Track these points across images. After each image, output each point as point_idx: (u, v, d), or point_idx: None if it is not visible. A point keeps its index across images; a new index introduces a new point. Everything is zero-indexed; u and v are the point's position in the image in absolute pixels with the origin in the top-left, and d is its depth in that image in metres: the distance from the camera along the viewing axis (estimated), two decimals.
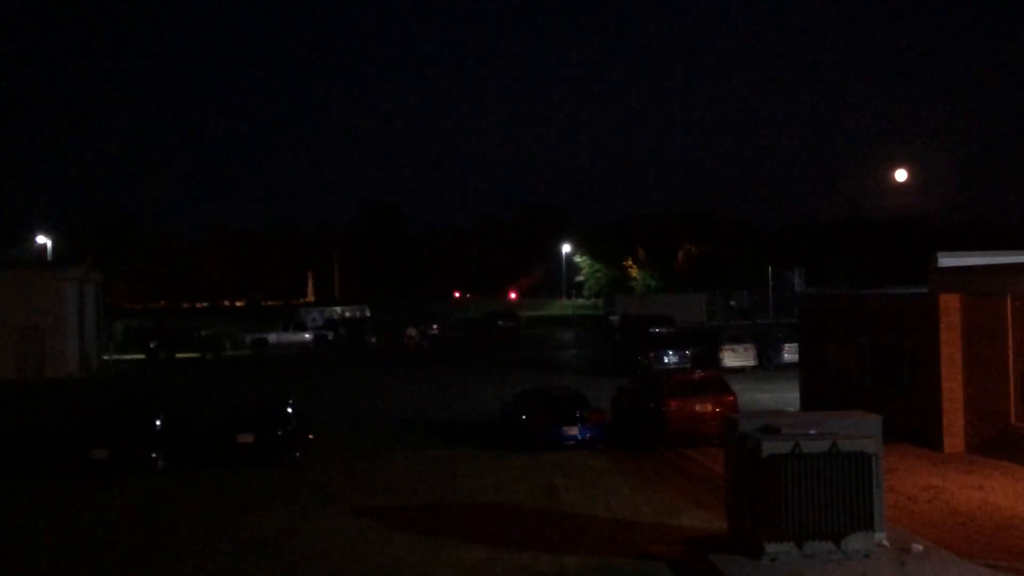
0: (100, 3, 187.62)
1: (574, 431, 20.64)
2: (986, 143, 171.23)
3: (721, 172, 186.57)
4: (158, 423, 20.24)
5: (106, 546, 13.79)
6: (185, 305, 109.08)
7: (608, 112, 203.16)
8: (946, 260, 19.13)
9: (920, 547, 11.38)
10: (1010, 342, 17.21)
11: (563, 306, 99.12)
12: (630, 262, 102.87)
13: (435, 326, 63.73)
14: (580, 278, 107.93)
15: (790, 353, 34.91)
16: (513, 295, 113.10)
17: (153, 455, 19.31)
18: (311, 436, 21.92)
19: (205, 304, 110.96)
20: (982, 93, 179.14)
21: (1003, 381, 17.38)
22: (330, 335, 59.36)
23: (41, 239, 61.11)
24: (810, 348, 25.43)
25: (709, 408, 20.31)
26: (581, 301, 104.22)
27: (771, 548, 10.89)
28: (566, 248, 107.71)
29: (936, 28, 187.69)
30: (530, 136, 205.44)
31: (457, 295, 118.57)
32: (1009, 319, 17.23)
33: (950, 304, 18.66)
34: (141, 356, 52.41)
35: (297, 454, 20.26)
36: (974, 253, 20.16)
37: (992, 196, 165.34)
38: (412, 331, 58.32)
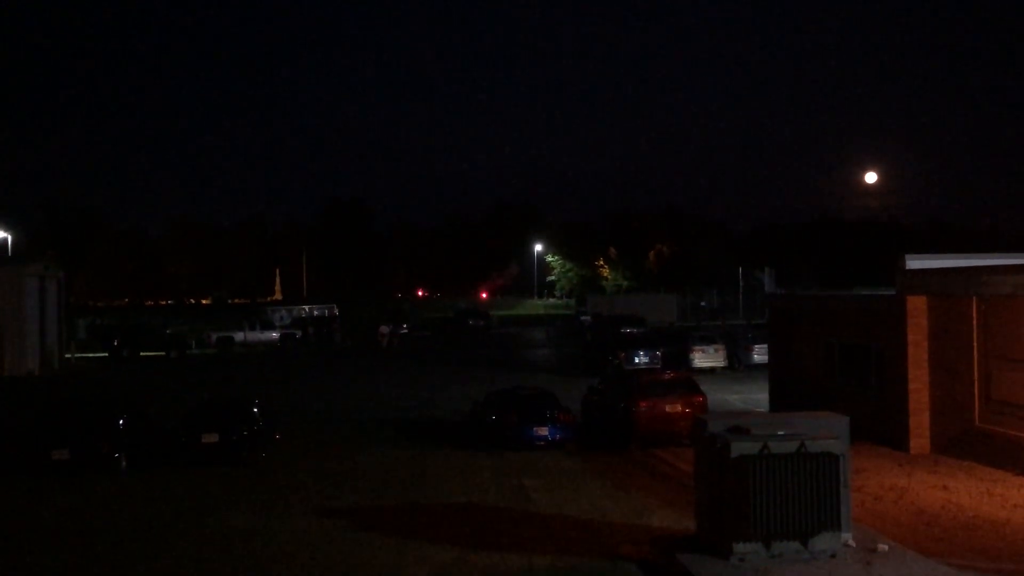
0: None
1: (544, 431, 20.58)
2: (954, 147, 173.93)
3: (692, 172, 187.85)
4: (121, 422, 19.87)
5: (67, 547, 13.48)
6: (149, 303, 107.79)
7: (580, 111, 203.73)
8: (913, 262, 19.29)
9: (885, 547, 11.43)
10: (975, 344, 17.39)
11: (535, 305, 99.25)
12: (602, 261, 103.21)
13: (404, 325, 63.49)
14: (552, 277, 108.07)
15: (760, 354, 35.18)
16: (484, 294, 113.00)
17: (115, 455, 18.96)
18: (278, 435, 21.66)
19: (170, 301, 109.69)
20: (950, 97, 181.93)
21: (968, 382, 17.56)
22: (298, 334, 58.92)
23: (0, 234, 59.94)
24: (779, 349, 25.57)
25: (679, 408, 20.33)
26: (553, 300, 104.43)
27: (739, 548, 10.88)
28: (538, 247, 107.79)
29: (906, 30, 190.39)
30: (501, 134, 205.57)
31: (421, 293, 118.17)
32: (974, 321, 17.41)
33: (917, 306, 18.82)
34: (104, 354, 51.60)
35: (263, 454, 20.01)
36: (941, 255, 20.35)
37: (959, 199, 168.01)
38: (384, 328, 58.14)
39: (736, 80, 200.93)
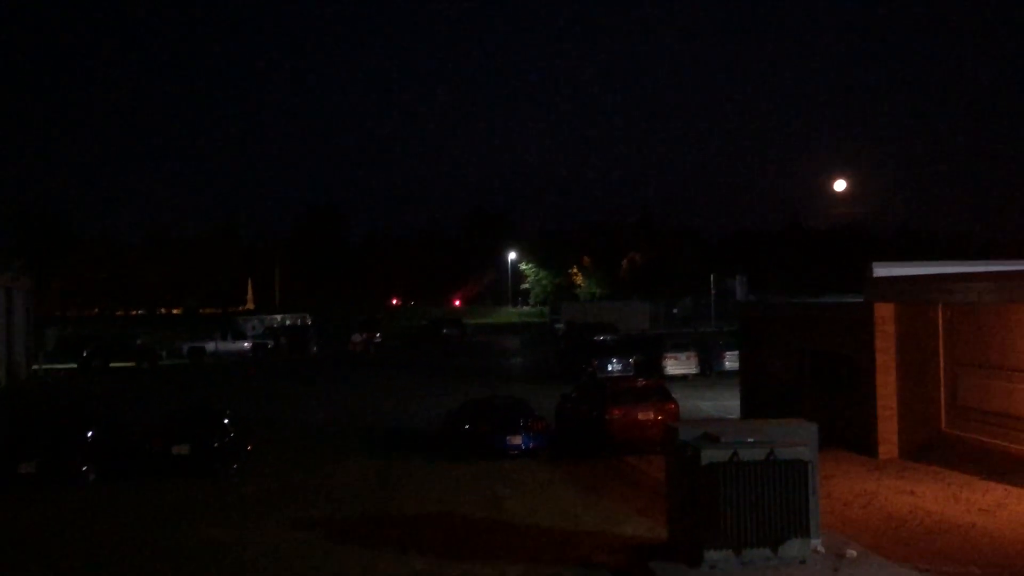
0: (37, 5, 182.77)
1: (518, 440, 20.60)
2: (922, 155, 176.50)
3: (664, 180, 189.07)
4: (89, 434, 19.63)
5: (34, 563, 13.30)
6: (120, 312, 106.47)
7: (553, 120, 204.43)
8: (881, 270, 19.57)
9: (854, 552, 11.57)
10: (941, 350, 17.67)
11: (509, 313, 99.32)
12: (575, 270, 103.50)
13: (378, 334, 63.28)
14: (526, 285, 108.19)
15: (731, 361, 35.49)
16: (457, 302, 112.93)
17: (83, 468, 18.73)
18: (249, 447, 21.50)
19: (141, 311, 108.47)
20: (919, 106, 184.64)
21: (935, 388, 17.83)
22: (270, 344, 58.49)
23: None
24: (750, 356, 25.81)
25: (651, 416, 20.45)
26: (527, 308, 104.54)
27: (710, 556, 10.96)
28: (512, 255, 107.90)
29: (875, 39, 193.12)
30: (475, 143, 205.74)
31: (395, 302, 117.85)
32: (940, 328, 17.70)
33: (884, 313, 19.08)
34: (74, 365, 50.94)
35: (235, 465, 19.85)
36: (908, 263, 20.70)
37: (926, 207, 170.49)
38: (357, 337, 58.17)
39: (708, 90, 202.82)
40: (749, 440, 11.35)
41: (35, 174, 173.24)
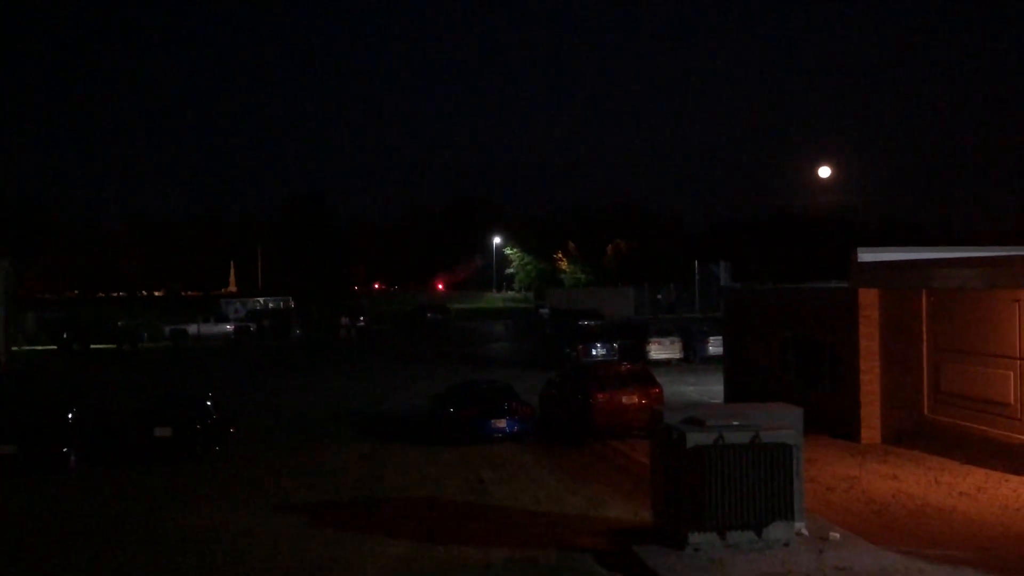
0: None
1: (502, 424, 20.59)
2: (905, 142, 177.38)
3: (649, 168, 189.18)
4: (70, 416, 19.46)
5: (13, 546, 13.17)
6: (101, 295, 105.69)
7: (538, 104, 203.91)
8: (865, 256, 19.61)
9: (837, 535, 11.63)
10: (924, 336, 17.76)
11: (494, 299, 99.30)
12: (560, 255, 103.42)
13: (362, 318, 63.14)
14: (511, 270, 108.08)
15: (715, 346, 35.67)
16: (441, 287, 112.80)
17: (64, 450, 18.55)
18: (232, 430, 21.39)
19: (122, 294, 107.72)
20: (902, 94, 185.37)
21: (918, 374, 17.93)
22: (252, 327, 58.26)
23: None
24: (734, 342, 25.88)
25: (636, 400, 20.48)
26: (511, 294, 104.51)
27: (695, 539, 10.99)
28: (497, 240, 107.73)
29: (861, 26, 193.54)
30: (460, 127, 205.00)
31: (378, 286, 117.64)
32: (924, 313, 17.78)
33: (868, 299, 19.15)
34: (54, 347, 50.50)
35: (217, 448, 19.75)
36: (892, 249, 20.72)
37: (911, 194, 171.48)
38: (345, 320, 58.16)
39: (693, 78, 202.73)
40: (734, 424, 11.36)
41: (14, 158, 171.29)
